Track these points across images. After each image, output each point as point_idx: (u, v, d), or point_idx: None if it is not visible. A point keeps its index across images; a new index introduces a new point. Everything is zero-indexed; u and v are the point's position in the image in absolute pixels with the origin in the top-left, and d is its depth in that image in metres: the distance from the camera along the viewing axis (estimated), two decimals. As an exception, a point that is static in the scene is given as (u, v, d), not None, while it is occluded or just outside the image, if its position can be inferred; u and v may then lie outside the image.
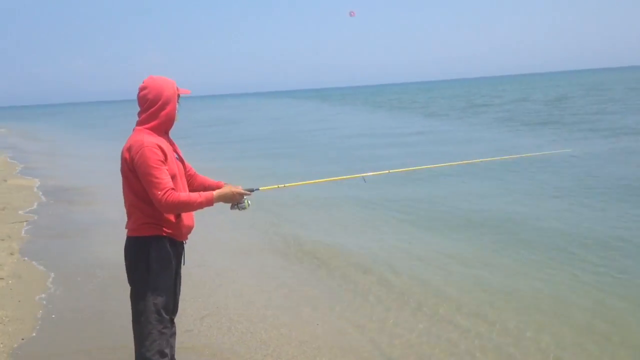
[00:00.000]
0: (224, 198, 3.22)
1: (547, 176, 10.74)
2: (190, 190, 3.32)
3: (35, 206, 10.05)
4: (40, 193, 11.45)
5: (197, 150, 18.58)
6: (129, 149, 3.01)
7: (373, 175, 4.32)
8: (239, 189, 3.29)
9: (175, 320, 3.39)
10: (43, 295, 5.38)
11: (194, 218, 3.33)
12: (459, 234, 7.42)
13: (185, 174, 3.40)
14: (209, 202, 3.12)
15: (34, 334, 4.51)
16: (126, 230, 3.16)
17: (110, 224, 8.23)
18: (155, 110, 3.09)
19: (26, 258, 6.65)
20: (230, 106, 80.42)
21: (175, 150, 3.28)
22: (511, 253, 6.46)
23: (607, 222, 7.46)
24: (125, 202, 3.15)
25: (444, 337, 4.35)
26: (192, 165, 3.48)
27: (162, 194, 2.93)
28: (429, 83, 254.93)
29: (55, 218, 9.15)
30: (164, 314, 3.09)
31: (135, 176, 3.00)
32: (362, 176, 4.17)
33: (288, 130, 28.33)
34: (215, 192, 3.18)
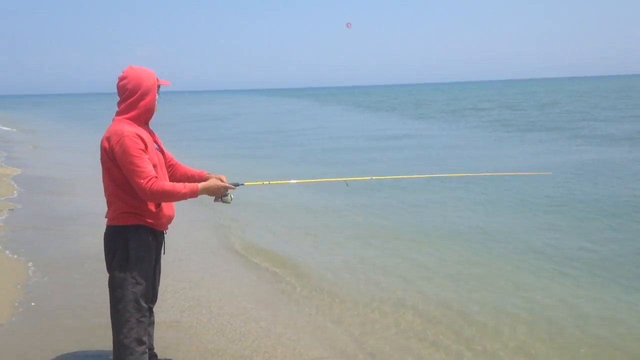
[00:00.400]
0: (209, 191, 3.23)
1: (524, 191, 10.34)
2: (174, 181, 3.34)
3: (15, 195, 9.96)
4: (20, 183, 11.32)
5: (182, 147, 18.28)
6: (108, 139, 3.03)
7: (356, 180, 4.43)
8: (224, 178, 3.31)
9: (156, 311, 3.42)
10: (22, 285, 5.35)
11: (174, 208, 3.35)
12: (429, 246, 7.15)
13: (166, 164, 3.43)
14: (194, 194, 3.14)
15: (11, 320, 4.50)
16: (106, 219, 3.19)
17: (92, 215, 8.16)
18: (134, 100, 3.10)
19: (5, 249, 6.59)
20: (221, 102, 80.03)
21: (155, 141, 3.30)
22: (479, 264, 6.38)
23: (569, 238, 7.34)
24: (105, 192, 3.17)
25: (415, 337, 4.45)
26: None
27: (145, 182, 2.95)
28: (417, 85, 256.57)
29: (35, 208, 9.07)
30: (142, 303, 3.12)
31: (116, 165, 3.01)
32: (345, 180, 4.28)
33: (277, 129, 28.21)
34: (201, 185, 3.19)
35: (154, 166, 3.08)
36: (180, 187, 3.10)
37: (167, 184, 3.06)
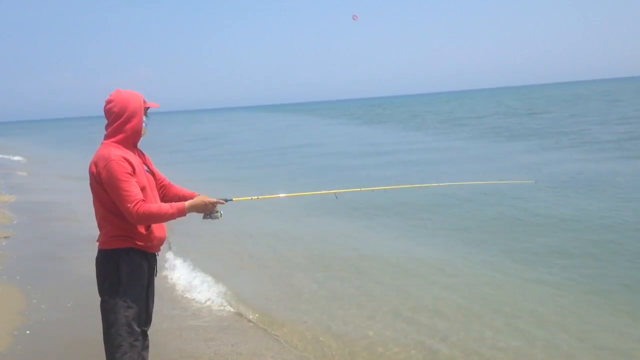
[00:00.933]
0: (196, 208, 3.20)
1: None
2: (166, 201, 3.33)
3: (14, 222, 9.94)
4: (16, 210, 11.30)
5: (173, 168, 17.87)
6: (95, 163, 3.03)
7: (345, 192, 4.41)
8: (211, 199, 3.27)
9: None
10: (19, 312, 5.32)
11: (166, 229, 3.34)
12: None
13: (158, 185, 3.43)
14: (181, 213, 3.13)
15: (8, 348, 4.47)
16: (97, 243, 3.18)
17: (88, 241, 8.16)
18: (120, 123, 3.11)
19: (2, 275, 6.56)
20: (217, 120, 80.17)
21: (145, 162, 3.30)
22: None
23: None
24: (96, 216, 3.16)
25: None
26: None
27: (132, 206, 2.94)
28: (411, 96, 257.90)
29: (33, 234, 9.06)
30: (134, 327, 3.09)
31: (104, 189, 3.01)
32: (334, 193, 4.22)
33: (271, 147, 27.70)
34: (187, 203, 3.18)
35: (143, 188, 3.07)
36: (167, 207, 3.09)
37: (154, 206, 3.04)
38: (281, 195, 4.03)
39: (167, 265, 6.81)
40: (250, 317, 5.21)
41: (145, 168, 3.27)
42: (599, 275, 6.00)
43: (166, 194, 3.45)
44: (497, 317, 4.99)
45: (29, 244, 8.35)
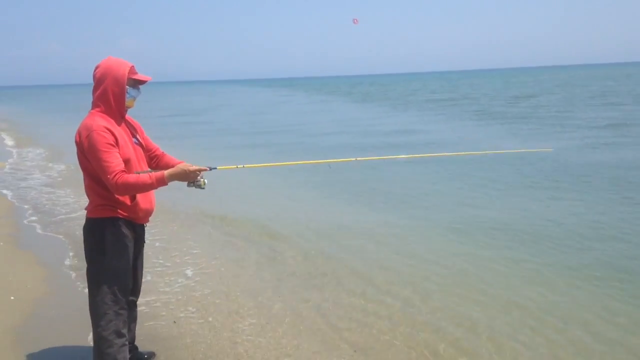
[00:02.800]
0: (177, 177, 3.13)
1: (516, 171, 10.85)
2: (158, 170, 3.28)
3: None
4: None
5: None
6: (79, 133, 3.02)
7: (339, 162, 4.32)
8: (193, 166, 3.18)
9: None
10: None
11: (154, 201, 3.34)
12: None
13: (150, 155, 3.41)
14: (161, 182, 3.06)
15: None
16: (85, 211, 3.18)
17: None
18: (101, 90, 3.07)
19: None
20: (205, 93, 79.00)
21: (134, 133, 3.28)
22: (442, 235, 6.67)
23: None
24: (84, 184, 3.16)
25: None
26: None
27: (112, 177, 2.92)
28: (404, 75, 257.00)
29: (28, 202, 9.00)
30: (119, 295, 3.12)
31: (87, 159, 3.00)
32: (328, 162, 4.15)
33: (261, 123, 26.06)
34: (167, 172, 3.10)
35: (127, 160, 3.05)
36: (145, 177, 3.03)
37: (131, 177, 2.98)
38: (269, 164, 3.94)
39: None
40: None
41: (135, 140, 3.24)
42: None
43: (158, 164, 3.43)
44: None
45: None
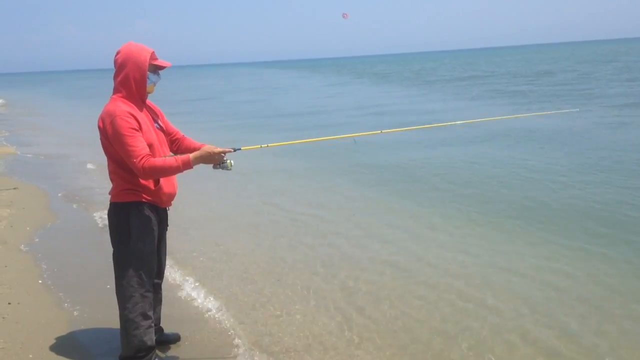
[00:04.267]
0: (202, 159, 3.14)
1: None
2: (180, 154, 3.30)
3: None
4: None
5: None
6: (102, 119, 3.04)
7: (364, 135, 4.30)
8: (217, 148, 3.20)
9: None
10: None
11: (176, 185, 3.36)
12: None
13: (171, 138, 3.43)
14: (187, 165, 3.08)
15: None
16: (109, 196, 3.22)
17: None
18: (123, 76, 3.09)
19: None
20: (219, 76, 78.72)
21: (155, 118, 3.29)
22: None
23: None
24: (108, 170, 3.20)
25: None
26: None
27: (137, 160, 2.95)
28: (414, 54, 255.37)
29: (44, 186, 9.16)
30: (144, 278, 3.17)
31: (111, 144, 3.03)
32: (353, 137, 4.17)
33: (273, 109, 24.78)
34: (192, 155, 3.11)
35: (150, 145, 3.07)
36: (172, 161, 3.05)
37: (158, 160, 3.01)
38: (293, 142, 3.96)
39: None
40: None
41: (156, 124, 3.26)
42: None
43: (179, 147, 3.46)
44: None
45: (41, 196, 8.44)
